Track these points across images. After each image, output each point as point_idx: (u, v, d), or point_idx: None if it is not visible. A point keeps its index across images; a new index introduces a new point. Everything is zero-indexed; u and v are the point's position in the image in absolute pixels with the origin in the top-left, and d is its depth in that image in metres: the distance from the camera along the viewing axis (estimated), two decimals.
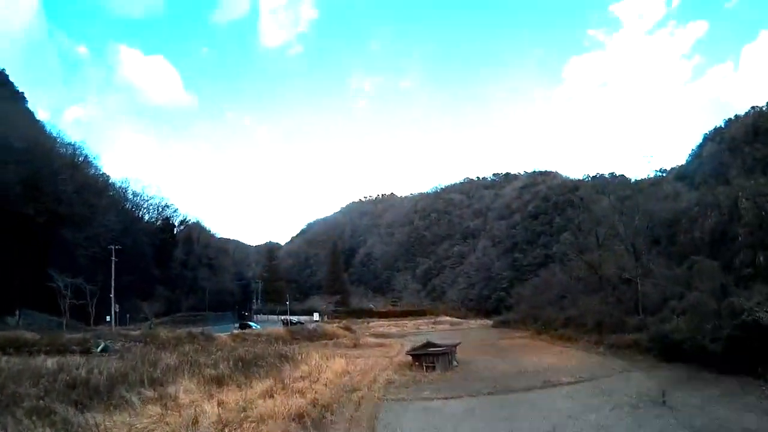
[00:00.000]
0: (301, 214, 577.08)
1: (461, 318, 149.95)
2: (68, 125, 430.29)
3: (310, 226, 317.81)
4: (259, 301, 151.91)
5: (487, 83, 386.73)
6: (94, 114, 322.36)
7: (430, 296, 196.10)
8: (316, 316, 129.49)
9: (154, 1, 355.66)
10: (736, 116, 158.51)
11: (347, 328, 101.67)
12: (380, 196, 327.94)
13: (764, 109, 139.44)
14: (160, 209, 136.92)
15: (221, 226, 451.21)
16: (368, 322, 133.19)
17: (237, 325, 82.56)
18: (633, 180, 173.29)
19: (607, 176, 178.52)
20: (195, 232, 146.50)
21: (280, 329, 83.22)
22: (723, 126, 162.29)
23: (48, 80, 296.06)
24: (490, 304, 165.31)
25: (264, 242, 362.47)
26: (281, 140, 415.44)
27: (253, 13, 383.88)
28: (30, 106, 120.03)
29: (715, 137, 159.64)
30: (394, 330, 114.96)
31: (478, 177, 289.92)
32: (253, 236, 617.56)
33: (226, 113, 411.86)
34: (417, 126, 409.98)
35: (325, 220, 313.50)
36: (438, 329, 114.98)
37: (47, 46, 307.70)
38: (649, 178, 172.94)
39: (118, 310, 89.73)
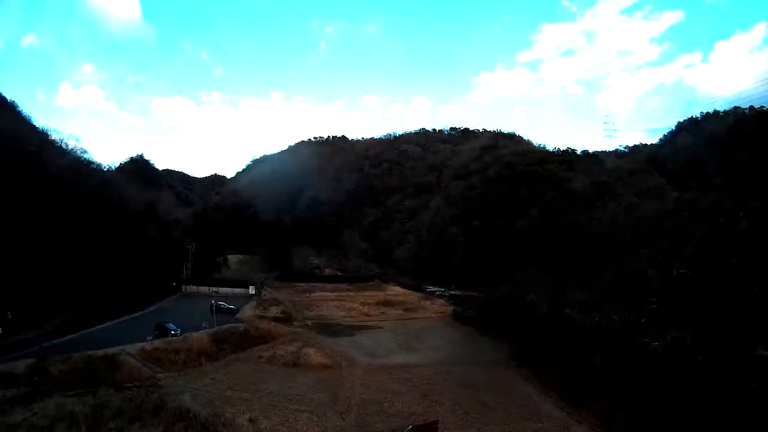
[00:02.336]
0: (250, 146, 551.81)
1: (413, 289, 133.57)
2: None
3: (256, 162, 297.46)
4: (189, 266, 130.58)
5: (453, 39, 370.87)
6: (49, 42, 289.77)
7: (376, 253, 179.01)
8: (251, 290, 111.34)
9: None
10: (716, 112, 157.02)
11: (286, 318, 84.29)
12: (331, 137, 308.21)
13: (747, 112, 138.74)
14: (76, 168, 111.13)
15: (167, 159, 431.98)
16: (310, 294, 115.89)
17: (151, 337, 62.93)
18: (605, 151, 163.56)
19: (578, 152, 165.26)
20: (115, 195, 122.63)
21: (203, 336, 64.26)
22: (699, 118, 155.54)
23: (4, 5, 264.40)
24: (442, 271, 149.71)
25: (210, 174, 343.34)
26: (236, 74, 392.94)
27: None
28: None
29: (690, 128, 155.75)
30: (340, 314, 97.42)
31: (434, 129, 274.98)
32: (200, 168, 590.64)
33: (183, 45, 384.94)
34: (376, 71, 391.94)
35: (271, 156, 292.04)
36: (390, 316, 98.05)
37: None
38: (621, 160, 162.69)
39: (10, 317, 70.15)
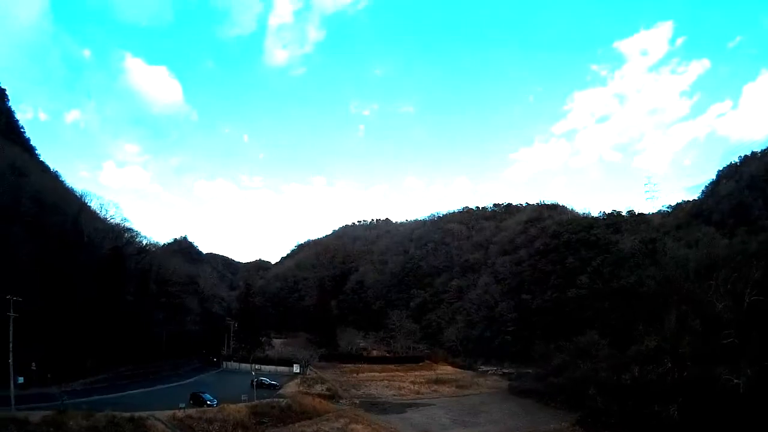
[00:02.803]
0: (293, 231, 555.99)
1: (464, 368, 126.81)
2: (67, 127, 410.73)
3: (300, 247, 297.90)
4: (230, 343, 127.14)
5: (489, 115, 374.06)
6: (92, 118, 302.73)
7: (425, 334, 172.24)
8: (296, 368, 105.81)
9: (163, 10, 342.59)
10: (753, 153, 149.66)
11: (332, 395, 78.67)
12: (375, 221, 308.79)
13: None
14: (115, 234, 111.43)
15: (209, 242, 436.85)
16: (357, 374, 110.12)
17: (184, 405, 58.83)
18: (649, 213, 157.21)
19: (624, 214, 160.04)
20: (155, 263, 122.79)
21: (241, 408, 59.45)
22: (738, 163, 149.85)
23: (50, 81, 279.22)
24: (493, 349, 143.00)
25: (254, 259, 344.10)
26: (278, 159, 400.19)
27: (260, 30, 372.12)
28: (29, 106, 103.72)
29: (730, 175, 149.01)
30: (389, 393, 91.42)
31: (477, 207, 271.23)
32: (244, 252, 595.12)
33: (225, 128, 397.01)
34: (415, 152, 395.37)
35: (316, 241, 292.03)
36: (442, 394, 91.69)
37: (51, 48, 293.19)
38: (666, 213, 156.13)
39: (35, 368, 66.86)
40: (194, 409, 58.52)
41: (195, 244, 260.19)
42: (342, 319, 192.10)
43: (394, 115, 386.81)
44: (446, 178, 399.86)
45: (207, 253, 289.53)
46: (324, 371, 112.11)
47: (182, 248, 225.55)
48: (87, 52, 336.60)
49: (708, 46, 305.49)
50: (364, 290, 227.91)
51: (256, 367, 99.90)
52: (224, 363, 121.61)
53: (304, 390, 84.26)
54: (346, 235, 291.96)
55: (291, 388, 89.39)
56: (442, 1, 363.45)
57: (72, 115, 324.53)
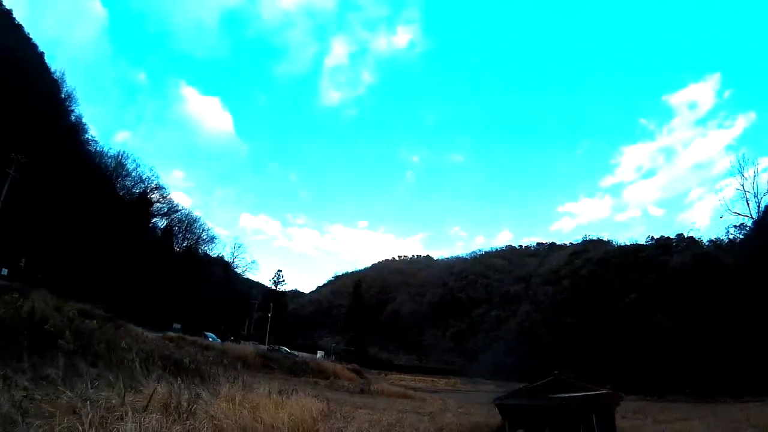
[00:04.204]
0: (332, 266, 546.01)
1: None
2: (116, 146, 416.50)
3: (337, 277, 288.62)
4: (251, 330, 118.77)
5: (536, 168, 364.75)
6: (143, 144, 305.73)
7: (462, 358, 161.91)
8: (319, 354, 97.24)
9: (220, 43, 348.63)
10: None
11: (356, 371, 69.91)
12: (415, 256, 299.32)
13: None
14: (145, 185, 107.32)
15: (247, 272, 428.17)
16: (386, 374, 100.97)
17: (179, 326, 51.84)
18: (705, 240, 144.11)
19: (672, 237, 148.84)
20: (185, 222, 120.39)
21: (248, 350, 52.12)
22: None
23: (103, 101, 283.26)
24: (530, 372, 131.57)
25: (291, 289, 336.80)
26: (323, 199, 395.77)
27: (315, 70, 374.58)
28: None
29: None
30: (421, 385, 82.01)
31: (520, 245, 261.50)
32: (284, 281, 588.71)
33: (273, 164, 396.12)
34: (461, 202, 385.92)
35: (353, 273, 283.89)
36: (484, 390, 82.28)
37: (107, 65, 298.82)
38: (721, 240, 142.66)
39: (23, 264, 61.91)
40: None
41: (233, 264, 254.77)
42: (375, 342, 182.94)
43: (444, 163, 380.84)
44: (490, 229, 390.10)
45: (244, 278, 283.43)
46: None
47: (225, 266, 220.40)
48: (142, 76, 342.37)
49: (755, 98, 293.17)
50: (400, 319, 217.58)
51: (276, 347, 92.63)
52: (242, 342, 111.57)
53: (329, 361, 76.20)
54: (385, 267, 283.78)
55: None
56: (496, 52, 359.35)
57: (122, 136, 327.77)
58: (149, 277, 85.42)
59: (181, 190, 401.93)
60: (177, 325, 68.60)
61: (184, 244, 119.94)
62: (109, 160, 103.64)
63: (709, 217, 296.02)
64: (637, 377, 79.42)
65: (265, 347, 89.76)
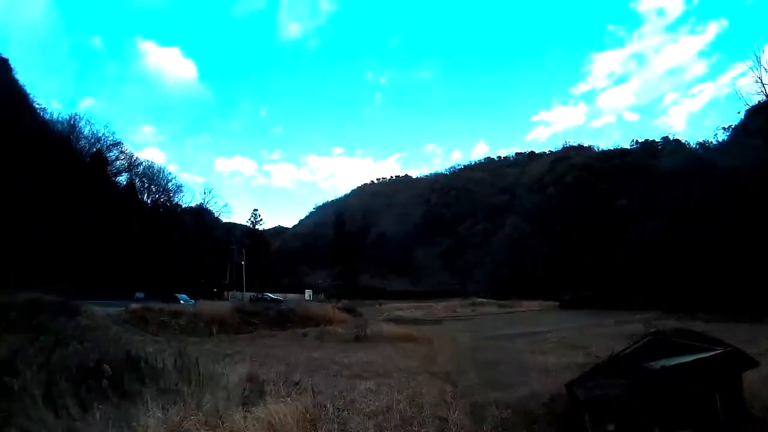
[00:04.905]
0: (313, 197, 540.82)
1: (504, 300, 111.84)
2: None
3: (318, 208, 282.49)
4: (233, 277, 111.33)
5: (507, 78, 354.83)
6: (107, 107, 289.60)
7: (454, 277, 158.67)
8: (307, 294, 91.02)
9: None
10: None
11: (348, 310, 63.76)
12: (394, 177, 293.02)
13: None
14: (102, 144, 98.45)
15: (228, 215, 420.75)
16: (380, 305, 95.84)
17: (142, 294, 45.67)
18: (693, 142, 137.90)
19: (658, 140, 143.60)
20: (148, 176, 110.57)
21: (225, 308, 45.77)
22: None
23: (62, 71, 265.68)
24: (525, 286, 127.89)
25: (274, 226, 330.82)
26: (296, 131, 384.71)
27: (271, 5, 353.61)
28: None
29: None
30: (419, 314, 76.14)
31: (499, 156, 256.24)
32: (264, 223, 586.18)
33: (242, 104, 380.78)
34: (433, 118, 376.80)
35: (334, 201, 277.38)
36: (485, 312, 77.23)
37: (61, 37, 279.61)
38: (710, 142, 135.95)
39: None
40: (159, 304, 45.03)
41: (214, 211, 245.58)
42: (365, 270, 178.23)
43: (412, 81, 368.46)
44: (466, 142, 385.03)
45: (226, 222, 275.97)
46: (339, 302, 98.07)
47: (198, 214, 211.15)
48: (97, 40, 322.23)
49: (725, 5, 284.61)
50: (386, 243, 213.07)
51: (259, 295, 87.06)
52: (226, 293, 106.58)
53: (317, 302, 69.93)
54: (365, 192, 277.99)
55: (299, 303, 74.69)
56: None
57: (86, 103, 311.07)
58: (114, 242, 78.28)
59: (154, 146, 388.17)
60: (140, 294, 62.13)
61: (150, 200, 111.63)
62: (61, 125, 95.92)
63: (684, 121, 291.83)
64: (647, 292, 74.73)
65: (248, 296, 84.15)
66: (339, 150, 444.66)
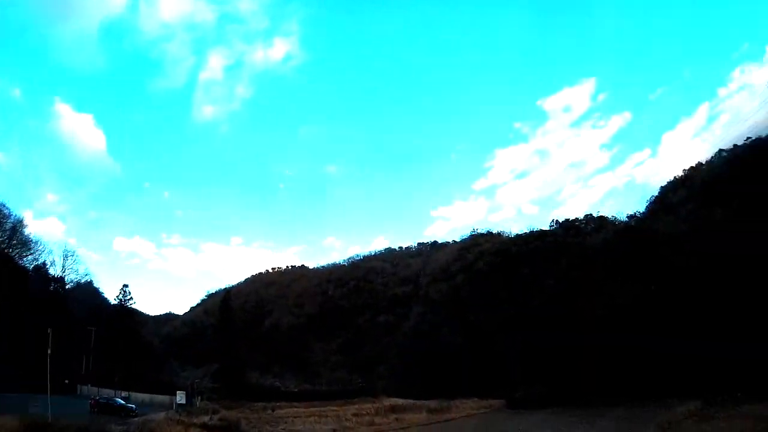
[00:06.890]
0: (207, 284, 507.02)
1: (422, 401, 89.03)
2: None
3: (210, 295, 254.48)
4: (90, 367, 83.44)
5: (410, 175, 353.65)
6: (16, 162, 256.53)
7: (355, 373, 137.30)
8: (179, 397, 66.55)
9: (98, 57, 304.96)
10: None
11: (227, 428, 42.07)
12: (290, 267, 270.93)
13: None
14: None
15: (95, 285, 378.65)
16: (273, 410, 72.74)
17: None
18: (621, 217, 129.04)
19: (580, 218, 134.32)
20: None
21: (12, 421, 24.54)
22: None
23: None
24: (445, 381, 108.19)
25: (164, 312, 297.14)
26: (197, 217, 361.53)
27: (190, 84, 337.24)
28: None
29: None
30: (326, 429, 53.23)
31: (400, 247, 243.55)
32: (155, 307, 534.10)
33: (146, 183, 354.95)
34: (335, 213, 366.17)
35: (226, 289, 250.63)
36: (413, 422, 56.43)
37: None
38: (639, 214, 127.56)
39: None
40: None
41: (101, 290, 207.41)
42: (255, 365, 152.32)
43: (317, 174, 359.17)
44: (366, 237, 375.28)
45: (114, 304, 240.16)
46: (223, 407, 73.98)
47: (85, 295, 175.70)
48: (17, 92, 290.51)
49: (630, 100, 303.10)
50: (279, 335, 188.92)
51: (124, 394, 62.94)
52: (79, 387, 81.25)
53: (183, 419, 45.97)
54: (259, 280, 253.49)
55: (159, 416, 50.76)
56: (369, 63, 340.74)
57: None
58: None
59: (55, 215, 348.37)
60: None
61: None
62: None
63: (583, 213, 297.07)
64: (609, 379, 59.13)
65: (98, 396, 60.01)
66: (238, 240, 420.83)
